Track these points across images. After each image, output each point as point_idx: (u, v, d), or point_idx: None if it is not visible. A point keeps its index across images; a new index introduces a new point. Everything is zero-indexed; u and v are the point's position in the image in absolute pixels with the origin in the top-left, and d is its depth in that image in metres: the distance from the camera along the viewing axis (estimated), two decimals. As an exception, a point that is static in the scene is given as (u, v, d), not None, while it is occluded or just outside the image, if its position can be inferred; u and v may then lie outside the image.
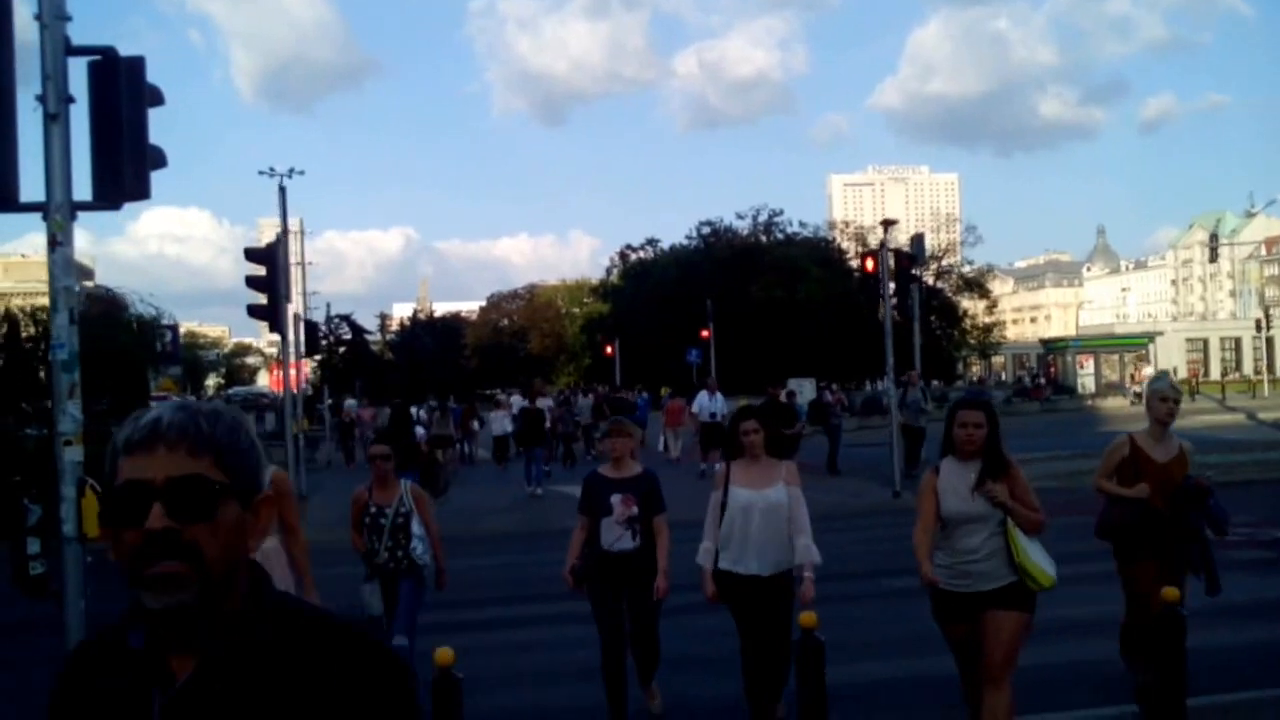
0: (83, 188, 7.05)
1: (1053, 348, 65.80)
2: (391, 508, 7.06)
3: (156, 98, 7.31)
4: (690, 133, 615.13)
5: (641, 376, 60.59)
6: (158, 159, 7.27)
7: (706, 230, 76.26)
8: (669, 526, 6.85)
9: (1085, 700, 7.00)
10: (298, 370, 29.37)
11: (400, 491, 7.13)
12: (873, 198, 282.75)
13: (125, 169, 7.01)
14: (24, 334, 22.73)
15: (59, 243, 6.89)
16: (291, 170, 56.09)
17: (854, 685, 7.06)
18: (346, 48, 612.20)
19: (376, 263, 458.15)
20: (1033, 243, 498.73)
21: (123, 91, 7.09)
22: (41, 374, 20.76)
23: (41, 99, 6.78)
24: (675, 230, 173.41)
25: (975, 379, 73.72)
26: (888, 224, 21.40)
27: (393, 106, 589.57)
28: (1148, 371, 56.47)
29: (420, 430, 23.70)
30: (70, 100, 6.90)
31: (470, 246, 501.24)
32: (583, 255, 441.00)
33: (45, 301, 28.00)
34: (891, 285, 19.39)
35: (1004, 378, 78.07)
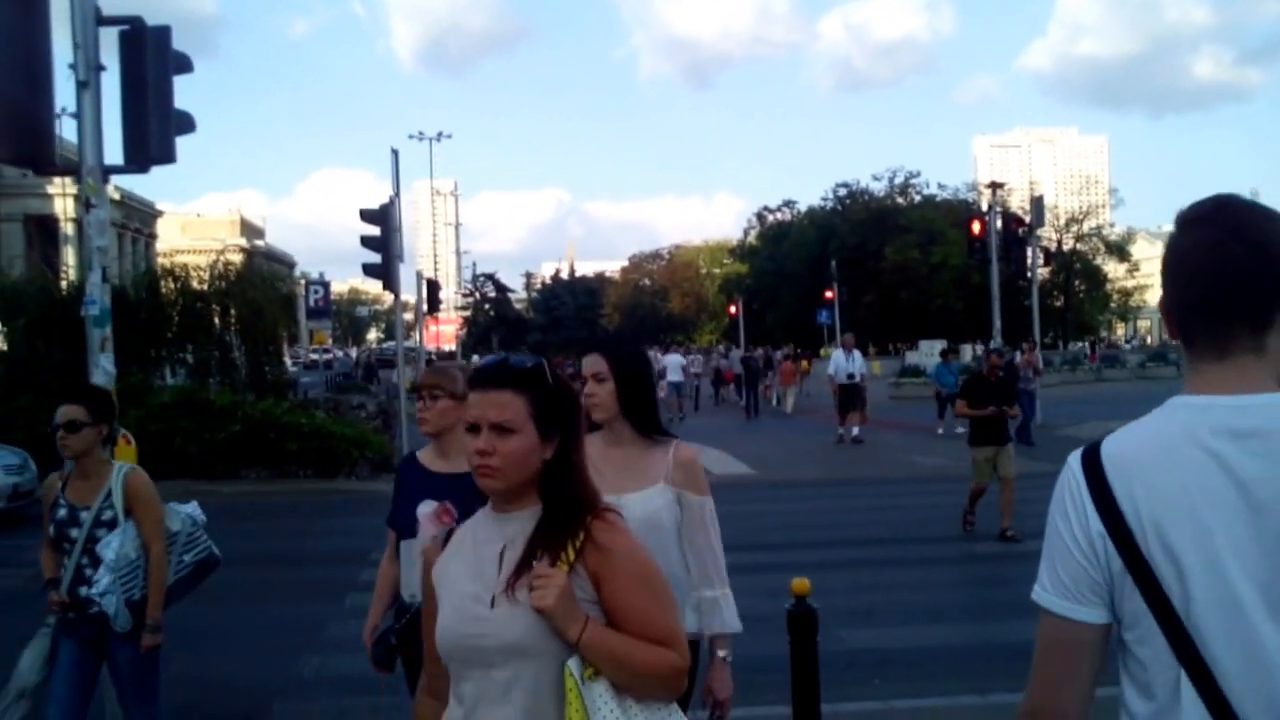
0: (115, 152, 7.46)
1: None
2: (90, 511, 4.35)
3: (184, 65, 7.65)
4: (835, 95, 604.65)
5: (777, 337, 60.56)
6: (184, 124, 7.62)
7: (842, 192, 75.22)
8: None
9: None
10: (417, 326, 30.34)
11: (107, 484, 4.39)
12: (1019, 160, 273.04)
13: (152, 134, 7.38)
14: (198, 288, 22.60)
15: (93, 205, 7.34)
16: (440, 134, 58.52)
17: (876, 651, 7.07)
18: (499, 15, 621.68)
19: (529, 223, 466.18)
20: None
21: (149, 59, 7.44)
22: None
23: (73, 67, 7.22)
24: (819, 192, 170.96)
25: (1103, 342, 70.90)
26: (995, 186, 20.81)
27: (544, 71, 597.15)
28: None
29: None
30: (101, 68, 7.31)
31: (618, 208, 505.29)
32: (727, 217, 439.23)
33: (202, 260, 28.52)
34: (999, 248, 18.90)
35: (1149, 341, 74.81)
